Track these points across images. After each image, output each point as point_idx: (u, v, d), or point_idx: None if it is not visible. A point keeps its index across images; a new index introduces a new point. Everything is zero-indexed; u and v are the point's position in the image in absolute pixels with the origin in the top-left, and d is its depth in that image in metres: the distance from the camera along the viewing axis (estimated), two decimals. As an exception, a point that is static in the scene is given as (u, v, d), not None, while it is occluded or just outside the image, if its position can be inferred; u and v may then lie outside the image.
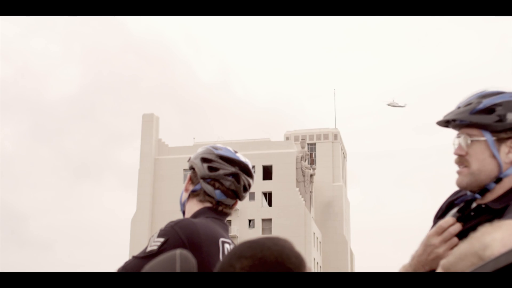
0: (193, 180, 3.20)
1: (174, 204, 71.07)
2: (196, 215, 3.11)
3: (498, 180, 2.38)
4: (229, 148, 3.25)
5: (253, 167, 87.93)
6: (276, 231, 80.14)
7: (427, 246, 2.37)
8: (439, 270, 2.08)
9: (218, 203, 3.16)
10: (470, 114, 2.42)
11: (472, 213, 2.41)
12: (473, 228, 2.35)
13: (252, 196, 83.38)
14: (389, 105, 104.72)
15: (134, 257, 2.92)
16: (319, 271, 73.68)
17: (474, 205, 2.45)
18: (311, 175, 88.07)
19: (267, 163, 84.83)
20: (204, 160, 3.17)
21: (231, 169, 3.16)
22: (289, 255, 1.67)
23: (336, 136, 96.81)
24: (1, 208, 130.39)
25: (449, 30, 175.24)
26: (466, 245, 1.97)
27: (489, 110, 2.40)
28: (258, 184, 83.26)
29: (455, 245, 2.33)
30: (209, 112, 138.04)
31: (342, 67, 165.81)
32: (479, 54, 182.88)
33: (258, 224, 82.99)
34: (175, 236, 2.90)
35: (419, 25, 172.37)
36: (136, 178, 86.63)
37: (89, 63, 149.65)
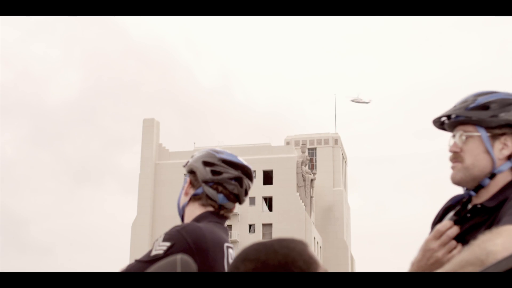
0: (193, 183, 3.16)
1: (175, 209, 70.13)
2: (198, 219, 3.08)
3: (492, 175, 2.41)
4: (228, 152, 3.24)
5: (254, 172, 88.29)
6: (277, 236, 79.86)
7: (426, 251, 2.38)
8: None
9: (220, 207, 3.13)
10: (466, 110, 2.47)
11: (469, 215, 2.43)
12: (470, 229, 2.37)
13: (252, 201, 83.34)
14: (353, 101, 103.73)
15: (137, 261, 2.89)
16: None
17: (469, 206, 2.47)
18: (312, 180, 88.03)
19: (267, 168, 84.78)
20: (206, 163, 3.14)
21: (234, 172, 3.15)
22: (296, 259, 1.60)
23: (336, 141, 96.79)
24: (1, 212, 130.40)
25: (450, 35, 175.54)
26: (467, 253, 1.97)
27: (484, 106, 2.45)
28: (258, 189, 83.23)
29: (454, 248, 2.36)
30: (209, 117, 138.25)
31: (342, 72, 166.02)
32: (480, 58, 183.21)
33: (259, 229, 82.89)
34: (181, 240, 2.87)
35: (420, 30, 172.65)
36: (137, 183, 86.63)
37: (90, 67, 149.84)
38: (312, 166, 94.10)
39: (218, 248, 2.93)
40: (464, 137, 2.46)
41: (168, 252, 2.83)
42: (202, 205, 3.13)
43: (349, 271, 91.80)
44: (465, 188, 2.50)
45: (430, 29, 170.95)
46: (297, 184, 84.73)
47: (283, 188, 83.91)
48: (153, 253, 2.86)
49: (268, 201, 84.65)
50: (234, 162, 3.17)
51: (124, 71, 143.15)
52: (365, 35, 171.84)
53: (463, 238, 2.37)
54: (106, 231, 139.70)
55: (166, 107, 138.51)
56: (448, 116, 2.53)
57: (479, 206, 2.41)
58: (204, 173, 3.13)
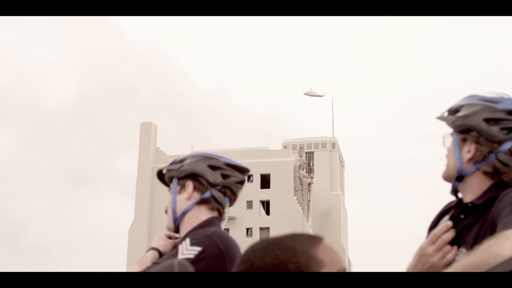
0: (197, 187, 3.12)
1: (172, 212, 70.57)
2: (206, 224, 3.05)
3: (459, 177, 2.50)
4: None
5: (251, 175, 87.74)
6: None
7: (421, 256, 2.39)
8: None
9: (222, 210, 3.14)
10: (448, 115, 2.57)
11: (462, 216, 2.45)
12: (464, 230, 2.39)
13: (250, 205, 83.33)
14: (306, 94, 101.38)
15: (155, 264, 2.86)
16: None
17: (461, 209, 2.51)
18: (309, 184, 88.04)
19: (265, 172, 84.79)
20: (213, 167, 3.12)
21: (240, 176, 3.15)
22: (288, 260, 1.52)
23: (334, 145, 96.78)
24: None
25: (449, 39, 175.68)
26: (472, 257, 1.97)
27: (456, 111, 2.54)
28: (256, 193, 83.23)
29: (448, 253, 2.38)
30: (207, 120, 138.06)
31: (340, 76, 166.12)
32: (479, 63, 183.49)
33: (256, 232, 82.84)
34: (213, 246, 2.86)
35: (419, 34, 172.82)
36: (134, 187, 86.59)
37: (87, 71, 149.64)
38: (310, 170, 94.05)
39: (239, 255, 2.93)
40: (448, 138, 2.57)
41: (199, 257, 2.82)
42: (210, 210, 3.10)
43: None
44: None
45: (429, 33, 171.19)
46: (294, 188, 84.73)
47: (281, 192, 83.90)
48: (181, 256, 2.83)
49: (266, 205, 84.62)
50: (237, 165, 3.17)
51: (121, 75, 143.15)
52: (363, 39, 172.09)
53: (458, 239, 2.40)
54: (103, 234, 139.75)
55: (164, 111, 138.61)
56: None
57: (469, 205, 2.44)
58: (214, 176, 3.10)
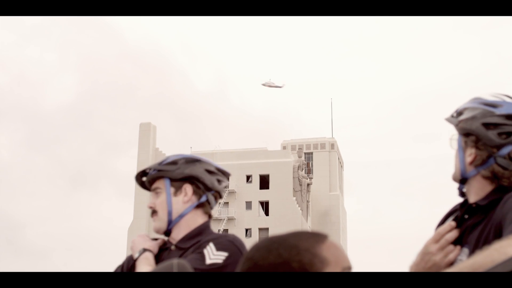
0: (196, 191, 3.13)
1: (171, 213, 70.66)
2: (204, 228, 3.10)
3: (462, 180, 2.52)
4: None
5: (250, 176, 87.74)
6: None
7: (425, 254, 2.40)
8: None
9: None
10: (453, 117, 2.59)
11: (466, 216, 2.46)
12: (468, 229, 2.39)
13: (249, 205, 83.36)
14: (264, 85, 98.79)
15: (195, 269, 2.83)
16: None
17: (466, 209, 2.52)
18: (308, 185, 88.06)
19: (264, 173, 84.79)
20: (210, 172, 3.15)
21: (227, 181, 3.21)
22: (291, 259, 1.50)
23: (333, 146, 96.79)
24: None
25: (448, 39, 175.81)
26: (481, 256, 1.95)
27: (460, 113, 2.54)
28: (255, 194, 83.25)
29: (451, 252, 2.38)
30: (205, 121, 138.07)
31: (339, 76, 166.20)
32: (478, 63, 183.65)
33: (255, 233, 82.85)
34: (237, 253, 2.89)
35: (418, 34, 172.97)
36: (133, 187, 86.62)
37: (86, 71, 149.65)
38: (309, 171, 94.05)
39: None
40: (454, 140, 2.59)
41: (227, 262, 2.85)
42: (205, 213, 3.15)
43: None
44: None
45: (428, 33, 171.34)
46: (293, 188, 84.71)
47: (280, 193, 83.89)
48: (209, 261, 2.86)
49: (265, 206, 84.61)
50: (224, 170, 3.21)
51: (120, 75, 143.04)
52: (362, 39, 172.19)
53: (461, 239, 2.40)
54: (102, 235, 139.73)
55: (163, 111, 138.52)
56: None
57: (473, 206, 2.45)
58: (211, 181, 3.14)
